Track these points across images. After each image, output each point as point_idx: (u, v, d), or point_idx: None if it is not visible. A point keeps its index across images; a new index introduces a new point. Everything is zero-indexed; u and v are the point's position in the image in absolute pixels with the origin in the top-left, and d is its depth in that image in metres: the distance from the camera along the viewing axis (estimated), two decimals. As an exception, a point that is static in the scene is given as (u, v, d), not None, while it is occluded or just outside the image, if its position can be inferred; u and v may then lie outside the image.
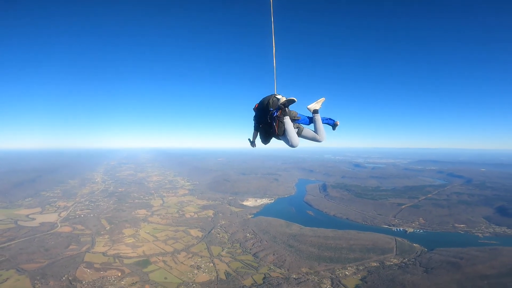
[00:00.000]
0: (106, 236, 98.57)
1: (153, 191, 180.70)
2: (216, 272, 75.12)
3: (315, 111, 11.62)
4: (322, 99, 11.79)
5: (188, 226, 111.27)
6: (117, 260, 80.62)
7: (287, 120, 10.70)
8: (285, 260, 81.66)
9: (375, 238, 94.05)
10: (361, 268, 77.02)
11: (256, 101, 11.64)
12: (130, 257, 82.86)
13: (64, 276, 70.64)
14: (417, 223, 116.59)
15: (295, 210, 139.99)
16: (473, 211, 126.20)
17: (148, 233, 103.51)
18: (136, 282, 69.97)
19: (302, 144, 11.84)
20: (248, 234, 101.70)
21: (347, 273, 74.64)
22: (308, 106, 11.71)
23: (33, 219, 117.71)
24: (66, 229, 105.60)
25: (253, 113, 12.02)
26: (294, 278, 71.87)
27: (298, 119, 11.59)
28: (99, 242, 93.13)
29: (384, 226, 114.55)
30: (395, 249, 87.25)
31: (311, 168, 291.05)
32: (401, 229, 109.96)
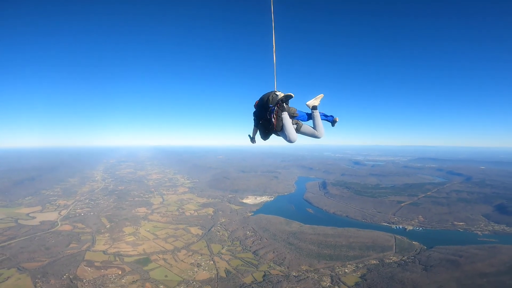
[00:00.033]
0: (107, 235, 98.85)
1: (153, 189, 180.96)
2: (216, 270, 75.42)
3: (314, 108, 11.74)
4: (321, 96, 11.88)
5: (188, 224, 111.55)
6: (117, 259, 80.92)
7: (285, 115, 10.84)
8: (285, 257, 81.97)
9: (374, 235, 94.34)
10: (360, 265, 77.25)
11: (256, 99, 11.81)
12: (131, 255, 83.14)
13: (65, 274, 70.91)
14: (417, 221, 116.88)
15: (294, 207, 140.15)
16: (472, 209, 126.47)
17: (148, 231, 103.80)
18: (136, 280, 70.24)
19: (302, 142, 11.88)
20: (248, 232, 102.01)
21: (346, 270, 74.87)
22: (307, 103, 11.81)
23: (34, 217, 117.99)
24: (67, 227, 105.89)
25: (253, 110, 12.20)
26: (294, 276, 72.18)
27: (296, 116, 11.70)
28: (99, 241, 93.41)
29: (384, 223, 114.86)
30: (394, 246, 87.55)
31: (310, 165, 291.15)
32: (401, 227, 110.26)
